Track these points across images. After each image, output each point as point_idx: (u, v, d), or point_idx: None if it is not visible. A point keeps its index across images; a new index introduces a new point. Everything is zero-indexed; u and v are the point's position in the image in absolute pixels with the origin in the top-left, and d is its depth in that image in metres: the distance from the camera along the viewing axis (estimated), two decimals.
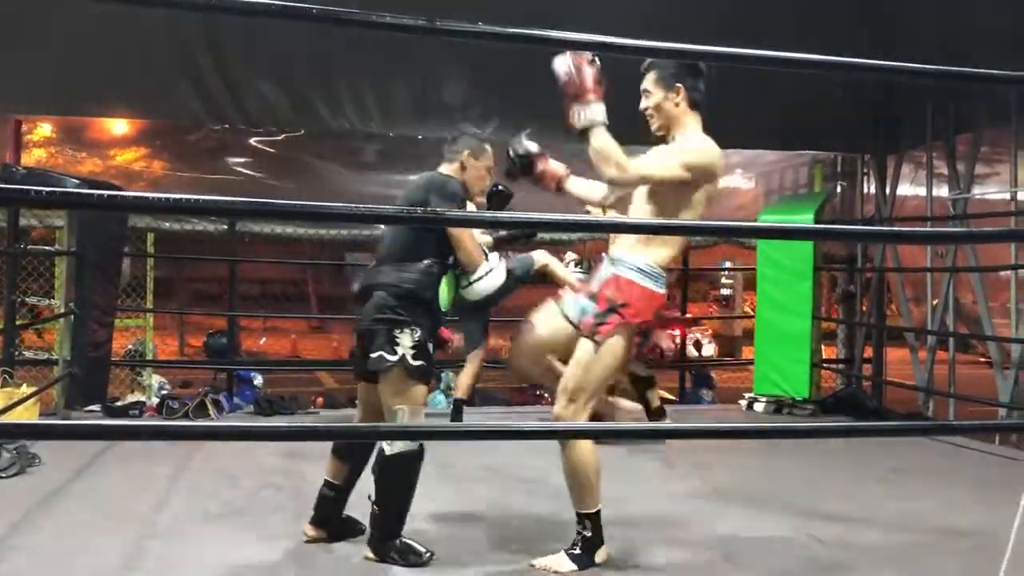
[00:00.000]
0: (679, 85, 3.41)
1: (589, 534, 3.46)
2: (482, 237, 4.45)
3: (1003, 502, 3.01)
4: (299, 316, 17.99)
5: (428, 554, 3.51)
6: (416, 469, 3.51)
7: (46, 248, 7.05)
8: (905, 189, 7.58)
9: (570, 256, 6.43)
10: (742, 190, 9.45)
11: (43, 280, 6.89)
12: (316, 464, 4.00)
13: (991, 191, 6.76)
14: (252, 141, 8.17)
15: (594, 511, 3.46)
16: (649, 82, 3.46)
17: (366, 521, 3.63)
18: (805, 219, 7.02)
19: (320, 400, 7.51)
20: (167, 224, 7.58)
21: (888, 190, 7.64)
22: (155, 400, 6.82)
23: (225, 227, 7.58)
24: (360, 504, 3.67)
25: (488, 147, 3.78)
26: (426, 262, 3.52)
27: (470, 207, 4.01)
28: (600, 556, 3.49)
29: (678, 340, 10.87)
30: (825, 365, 7.99)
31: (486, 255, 3.68)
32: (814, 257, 7.20)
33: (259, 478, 4.73)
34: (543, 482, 4.43)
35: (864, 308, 8.03)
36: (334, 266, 13.31)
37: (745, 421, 6.95)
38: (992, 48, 5.74)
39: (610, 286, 3.42)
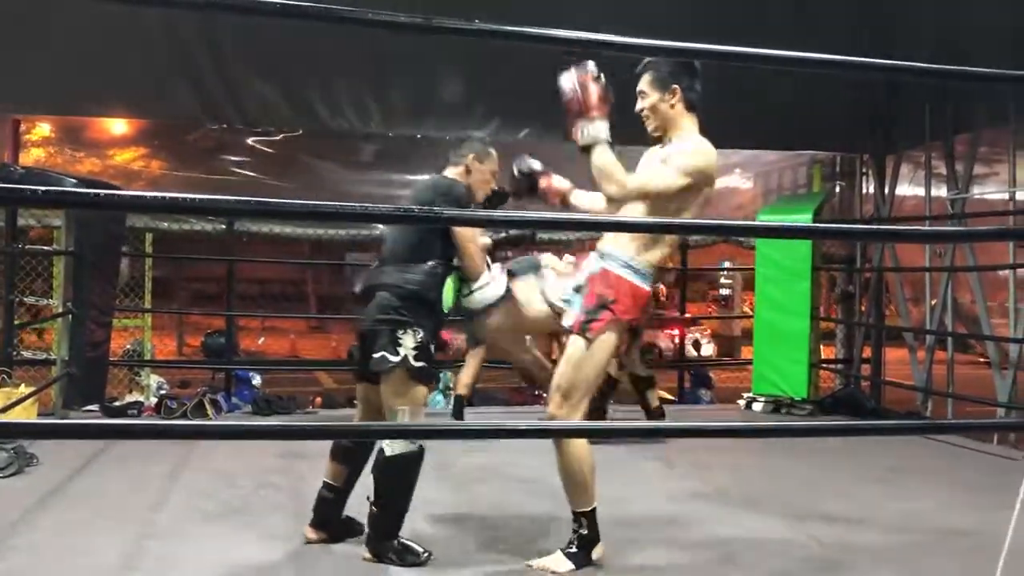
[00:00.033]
0: (675, 86, 3.40)
1: (585, 532, 3.46)
2: (482, 238, 4.45)
3: (1001, 502, 3.01)
4: (298, 316, 18.00)
5: (426, 554, 3.52)
6: (416, 471, 3.51)
7: (44, 248, 7.04)
8: (904, 189, 7.57)
9: (569, 258, 6.41)
10: (741, 190, 9.44)
11: (41, 280, 6.88)
12: (314, 464, 4.00)
13: (990, 191, 6.75)
14: (250, 141, 8.15)
15: (590, 509, 3.47)
16: (645, 83, 3.44)
17: (365, 521, 3.62)
18: (804, 219, 7.01)
19: (319, 400, 7.50)
20: (165, 224, 7.57)
21: (887, 190, 7.64)
22: (153, 400, 6.81)
23: (223, 227, 7.56)
24: (359, 504, 3.66)
25: (493, 151, 3.81)
26: (430, 263, 3.52)
27: None
28: (596, 553, 3.49)
29: (677, 340, 10.89)
30: (824, 365, 7.98)
31: (488, 266, 3.68)
32: (813, 257, 7.19)
33: (257, 478, 4.73)
34: (541, 482, 4.42)
35: (863, 308, 8.02)
36: (333, 266, 13.30)
37: (743, 421, 6.94)
38: (992, 48, 5.75)
39: (599, 281, 3.41)
